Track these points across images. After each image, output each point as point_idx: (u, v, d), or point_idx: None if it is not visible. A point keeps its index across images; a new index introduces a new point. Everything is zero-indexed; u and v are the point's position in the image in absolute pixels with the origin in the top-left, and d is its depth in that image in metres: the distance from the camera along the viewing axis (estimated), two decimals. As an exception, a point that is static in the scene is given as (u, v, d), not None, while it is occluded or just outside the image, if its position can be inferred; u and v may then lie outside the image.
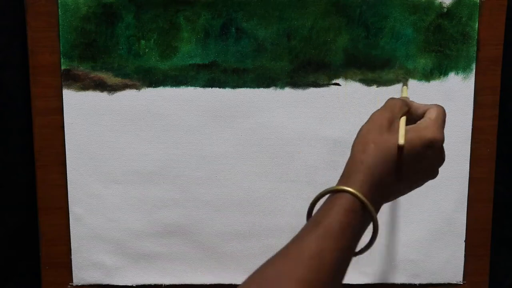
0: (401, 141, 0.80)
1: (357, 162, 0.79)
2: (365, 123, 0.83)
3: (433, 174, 0.85)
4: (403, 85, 1.01)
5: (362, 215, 0.77)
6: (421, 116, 0.86)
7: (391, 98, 0.87)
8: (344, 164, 0.81)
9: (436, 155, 0.83)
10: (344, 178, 0.79)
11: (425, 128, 0.83)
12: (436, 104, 0.87)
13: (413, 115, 0.87)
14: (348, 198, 0.77)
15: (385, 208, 1.04)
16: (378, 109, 0.84)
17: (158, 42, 0.99)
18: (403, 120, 0.83)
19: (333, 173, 1.02)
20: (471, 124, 1.02)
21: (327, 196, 0.79)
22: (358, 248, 0.79)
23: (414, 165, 0.82)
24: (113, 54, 0.99)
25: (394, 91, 1.01)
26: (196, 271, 1.06)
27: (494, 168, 1.04)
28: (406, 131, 0.81)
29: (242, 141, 1.02)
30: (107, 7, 0.98)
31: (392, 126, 0.82)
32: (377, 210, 0.80)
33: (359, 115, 1.01)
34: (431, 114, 0.85)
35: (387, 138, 0.80)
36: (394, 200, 1.04)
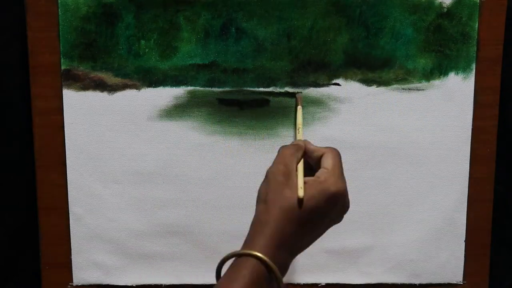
0: (300, 193, 0.77)
1: (261, 224, 0.78)
2: (263, 181, 0.81)
3: (339, 220, 0.84)
4: (297, 105, 0.98)
5: (269, 277, 0.76)
6: (317, 160, 0.83)
7: (282, 146, 0.84)
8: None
9: (341, 206, 0.81)
10: (249, 240, 0.78)
11: (325, 181, 0.80)
12: (330, 148, 0.84)
13: (310, 158, 0.84)
14: (254, 262, 0.75)
15: (385, 208, 1.04)
16: (272, 164, 0.82)
17: (158, 42, 0.99)
18: (300, 170, 0.80)
19: (333, 173, 1.02)
20: (471, 124, 1.02)
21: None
22: None
23: (319, 220, 0.80)
24: (113, 54, 0.99)
25: (394, 91, 1.01)
26: (196, 271, 1.06)
27: (494, 168, 1.04)
28: (308, 186, 0.79)
29: (242, 141, 1.02)
30: (107, 7, 0.98)
31: (289, 180, 0.79)
32: (285, 268, 0.78)
33: (359, 115, 1.01)
34: (327, 164, 0.81)
35: (288, 196, 0.78)
36: (394, 200, 1.04)
